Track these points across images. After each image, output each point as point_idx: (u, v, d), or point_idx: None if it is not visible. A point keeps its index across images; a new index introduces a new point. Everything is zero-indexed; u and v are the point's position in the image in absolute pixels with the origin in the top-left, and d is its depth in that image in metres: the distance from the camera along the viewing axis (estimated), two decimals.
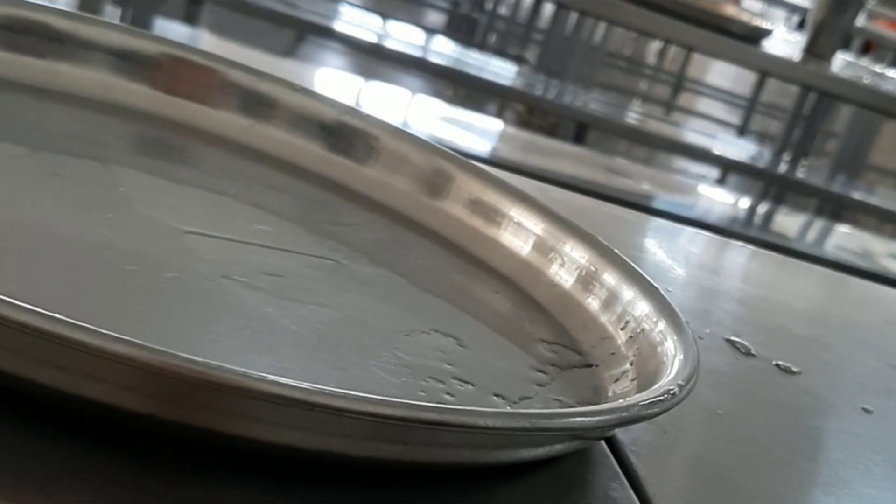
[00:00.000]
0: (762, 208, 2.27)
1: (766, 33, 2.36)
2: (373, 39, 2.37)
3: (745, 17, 2.37)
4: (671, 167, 2.89)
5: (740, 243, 0.80)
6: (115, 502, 0.28)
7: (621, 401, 0.36)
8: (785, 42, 2.53)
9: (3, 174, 0.42)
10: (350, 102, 0.52)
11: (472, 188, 0.51)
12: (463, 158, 0.52)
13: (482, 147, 2.10)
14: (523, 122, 2.78)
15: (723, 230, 1.77)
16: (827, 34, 2.21)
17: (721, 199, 2.34)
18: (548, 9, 2.99)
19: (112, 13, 1.46)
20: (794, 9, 3.72)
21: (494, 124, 2.48)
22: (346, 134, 0.51)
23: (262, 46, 2.00)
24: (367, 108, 0.51)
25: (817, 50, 2.20)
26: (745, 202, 2.31)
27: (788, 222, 2.16)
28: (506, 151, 2.13)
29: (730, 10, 2.30)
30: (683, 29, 1.61)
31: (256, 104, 0.50)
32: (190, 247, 0.42)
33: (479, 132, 2.19)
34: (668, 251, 0.71)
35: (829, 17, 2.24)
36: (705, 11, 2.18)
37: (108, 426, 0.30)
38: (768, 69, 2.31)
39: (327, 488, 0.32)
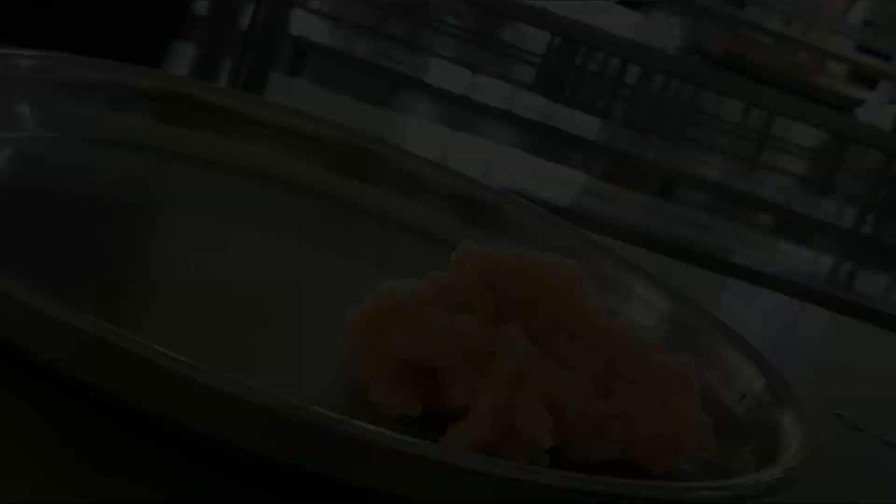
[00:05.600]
0: (848, 268, 2.27)
1: (858, 102, 2.39)
2: (462, 92, 2.42)
3: (837, 88, 2.40)
4: (754, 223, 2.89)
5: (838, 314, 0.82)
6: None
7: (748, 477, 0.39)
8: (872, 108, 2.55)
9: (175, 240, 0.46)
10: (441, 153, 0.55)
11: (595, 262, 0.54)
12: (587, 233, 0.55)
13: (566, 199, 2.12)
14: (607, 176, 2.80)
15: (811, 291, 1.77)
16: None
17: (805, 259, 2.34)
18: (635, 67, 3.03)
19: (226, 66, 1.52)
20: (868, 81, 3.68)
21: (578, 176, 2.51)
22: (479, 208, 0.55)
23: (358, 95, 2.06)
24: (455, 159, 0.55)
25: None
26: (829, 262, 2.31)
27: (877, 283, 2.16)
28: (589, 203, 2.16)
29: (823, 81, 2.33)
30: (777, 98, 1.63)
31: (401, 180, 0.54)
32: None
33: (563, 184, 2.23)
34: (760, 320, 0.73)
35: None
36: (799, 81, 2.21)
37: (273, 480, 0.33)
38: (860, 137, 2.32)
39: None
